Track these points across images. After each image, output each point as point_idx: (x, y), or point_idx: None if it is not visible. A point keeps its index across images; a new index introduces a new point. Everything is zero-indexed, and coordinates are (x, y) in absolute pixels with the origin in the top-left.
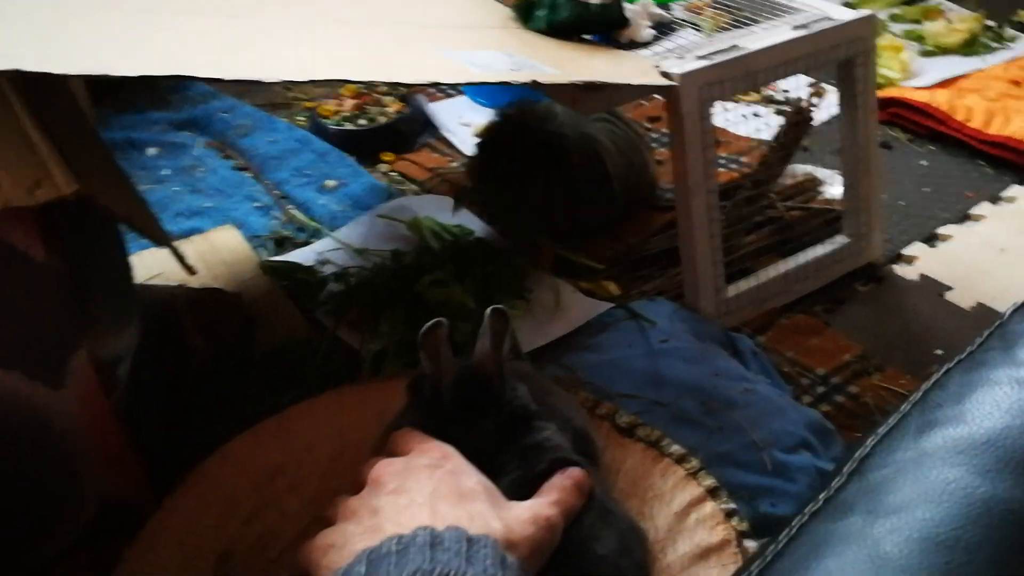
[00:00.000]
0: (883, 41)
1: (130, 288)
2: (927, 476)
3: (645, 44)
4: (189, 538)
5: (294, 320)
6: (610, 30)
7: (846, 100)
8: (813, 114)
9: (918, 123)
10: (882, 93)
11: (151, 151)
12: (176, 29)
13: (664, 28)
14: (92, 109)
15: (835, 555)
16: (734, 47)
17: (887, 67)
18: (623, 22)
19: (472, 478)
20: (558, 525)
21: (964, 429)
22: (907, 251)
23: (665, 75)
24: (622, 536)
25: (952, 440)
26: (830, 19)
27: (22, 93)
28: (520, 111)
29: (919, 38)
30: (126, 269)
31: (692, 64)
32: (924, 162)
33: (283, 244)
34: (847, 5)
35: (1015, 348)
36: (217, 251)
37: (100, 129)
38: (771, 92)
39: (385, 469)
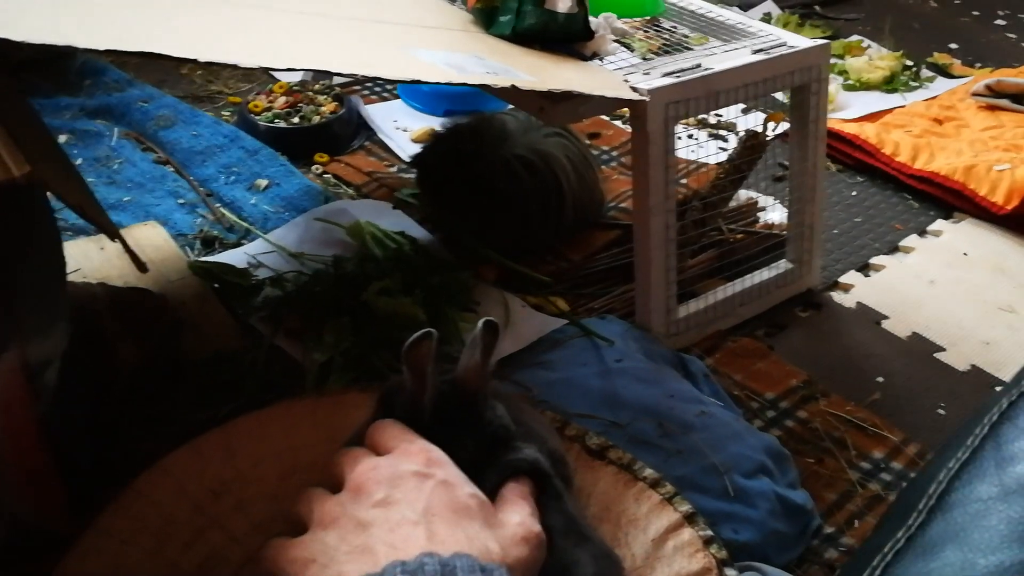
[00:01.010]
0: None
1: (62, 284)
2: (1020, 515)
3: (600, 57)
4: (123, 562)
5: (226, 326)
6: (575, 41)
7: (798, 126)
8: (768, 139)
9: (847, 154)
10: None
11: (61, 138)
12: (144, 9)
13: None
14: None
15: None
16: (698, 66)
17: None
18: (588, 34)
19: (464, 489)
20: (544, 542)
21: None
22: (843, 279)
23: (634, 90)
24: (598, 560)
25: None
26: (788, 45)
27: None
28: (471, 124)
29: (842, 72)
30: (59, 265)
31: (659, 81)
32: (854, 192)
33: (211, 244)
34: None
35: None
36: (141, 248)
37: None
38: (703, 116)
39: (369, 474)
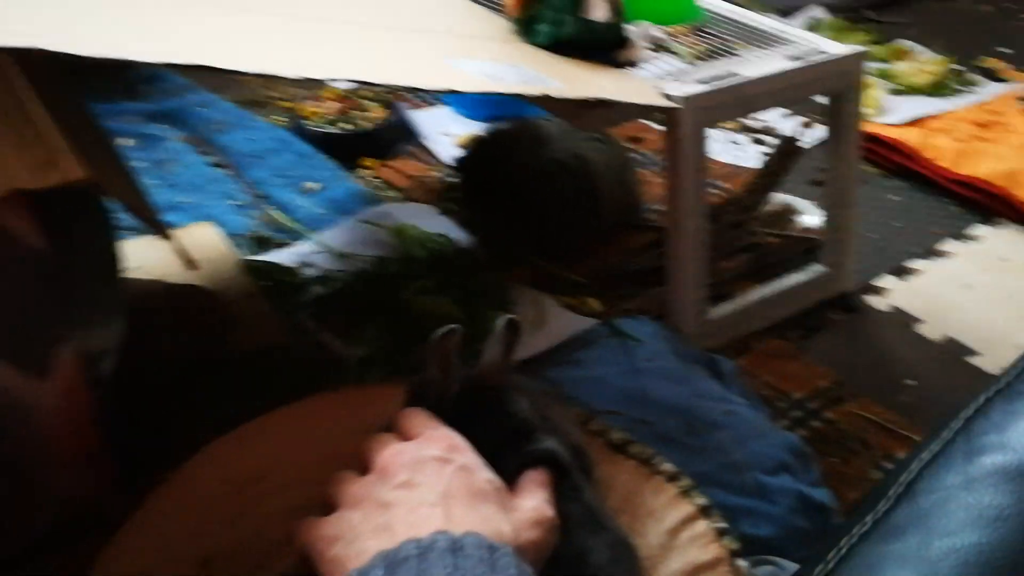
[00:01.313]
0: None
1: (119, 281)
2: (978, 502)
3: (635, 65)
4: (168, 541)
5: (273, 322)
6: (611, 49)
7: (833, 133)
8: (802, 145)
9: (889, 159)
10: None
11: (125, 142)
12: (194, 22)
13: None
14: None
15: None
16: (731, 74)
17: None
18: (623, 43)
19: (482, 474)
20: (557, 526)
21: (1011, 456)
22: (878, 283)
23: (667, 97)
24: (613, 548)
25: (999, 467)
26: (822, 52)
27: (32, 82)
28: (511, 129)
29: (889, 77)
30: (116, 262)
31: (692, 88)
32: (894, 197)
33: (263, 244)
34: None
35: None
36: (195, 248)
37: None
38: (748, 121)
39: (394, 458)
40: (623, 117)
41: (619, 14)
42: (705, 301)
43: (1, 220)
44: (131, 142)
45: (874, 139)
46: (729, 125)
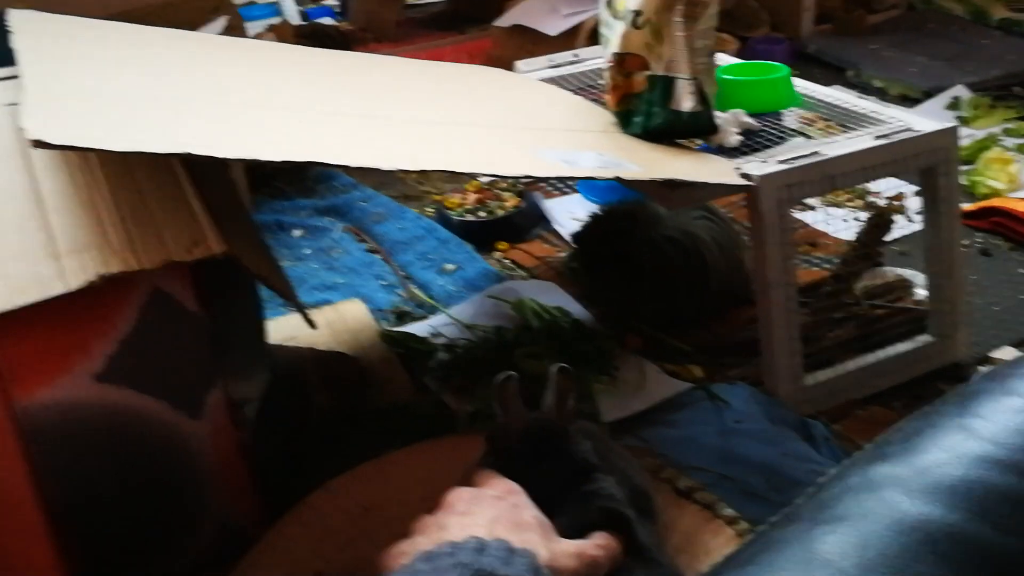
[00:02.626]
0: (992, 153)
1: (262, 341)
2: (865, 495)
3: (735, 149)
4: (290, 559)
5: (404, 383)
6: (699, 135)
7: (929, 205)
8: (895, 217)
9: (1021, 233)
10: (987, 203)
11: (296, 233)
12: (316, 126)
13: (755, 136)
14: (249, 195)
15: (777, 551)
16: (815, 153)
17: (994, 178)
18: (712, 129)
19: (530, 512)
20: (600, 565)
21: (904, 460)
22: (996, 354)
23: (745, 176)
24: None
25: (892, 469)
26: (912, 130)
27: (188, 171)
28: (626, 207)
29: None
30: (260, 325)
31: (772, 167)
32: (1023, 270)
33: (403, 318)
34: (960, 119)
35: (968, 401)
36: (344, 320)
37: (254, 212)
38: (873, 199)
39: (458, 496)
40: (707, 196)
41: (706, 104)
42: (799, 367)
43: (167, 288)
44: (301, 232)
45: (1005, 213)
46: (855, 203)
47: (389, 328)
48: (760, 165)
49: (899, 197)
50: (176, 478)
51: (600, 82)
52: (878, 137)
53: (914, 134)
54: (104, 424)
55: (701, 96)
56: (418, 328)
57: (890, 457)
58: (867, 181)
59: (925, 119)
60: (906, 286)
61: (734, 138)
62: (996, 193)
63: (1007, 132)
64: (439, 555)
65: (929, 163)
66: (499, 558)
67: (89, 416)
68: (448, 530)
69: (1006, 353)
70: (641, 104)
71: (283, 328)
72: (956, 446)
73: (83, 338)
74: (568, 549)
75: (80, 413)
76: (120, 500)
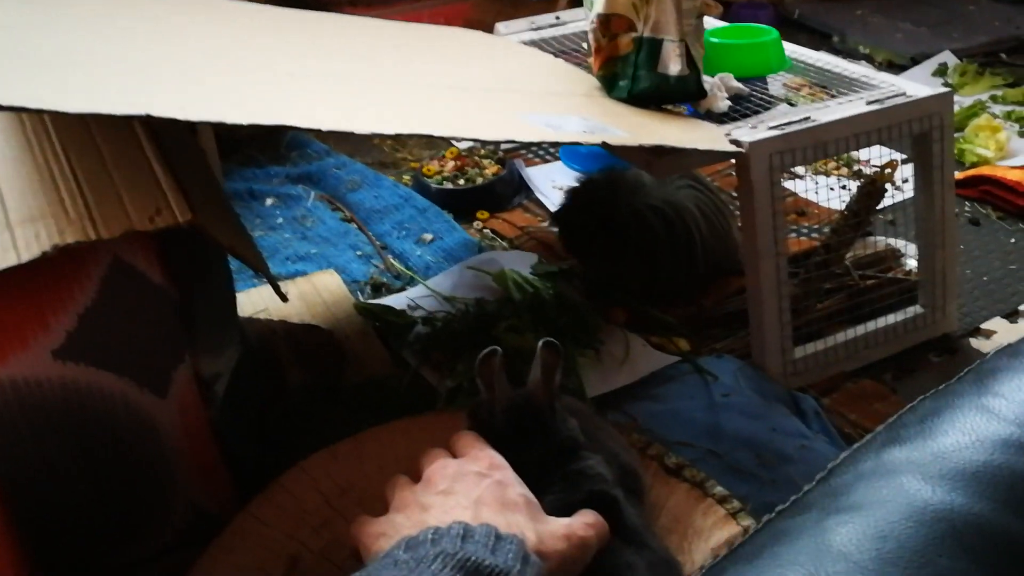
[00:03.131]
0: (981, 121)
1: (232, 315)
2: (880, 482)
3: (723, 114)
4: (264, 542)
5: (381, 357)
6: (687, 100)
7: (921, 173)
8: (886, 186)
9: (1010, 201)
10: (975, 171)
11: (268, 201)
12: (288, 89)
13: (744, 101)
14: (219, 162)
15: (787, 543)
16: (807, 118)
17: (983, 146)
18: (700, 93)
19: (516, 490)
20: (590, 546)
21: (920, 444)
22: (986, 325)
23: (735, 143)
24: (654, 566)
25: (908, 453)
26: (905, 95)
27: (153, 136)
28: (608, 178)
29: (1020, 119)
30: (229, 298)
31: (763, 133)
32: (1012, 240)
33: (379, 289)
34: (947, 86)
35: (986, 380)
36: (317, 292)
37: (225, 180)
38: (861, 167)
39: (440, 471)
40: (695, 163)
41: (694, 67)
42: (789, 340)
43: (130, 260)
44: (273, 201)
45: (995, 181)
46: (841, 171)
47: (365, 300)
48: (750, 131)
49: (892, 164)
50: (141, 459)
51: (583, 45)
52: (870, 103)
53: (908, 99)
54: (63, 403)
55: (689, 59)
56: (395, 300)
57: (905, 440)
58: (859, 148)
59: (917, 84)
60: (896, 256)
61: (723, 103)
62: (985, 161)
63: (994, 99)
64: (421, 542)
65: (923, 129)
66: (484, 545)
67: (47, 395)
68: (430, 511)
69: (996, 324)
70: (626, 67)
71: (254, 300)
72: (977, 429)
73: (40, 312)
74: (557, 530)
75: (38, 391)
76: (82, 482)
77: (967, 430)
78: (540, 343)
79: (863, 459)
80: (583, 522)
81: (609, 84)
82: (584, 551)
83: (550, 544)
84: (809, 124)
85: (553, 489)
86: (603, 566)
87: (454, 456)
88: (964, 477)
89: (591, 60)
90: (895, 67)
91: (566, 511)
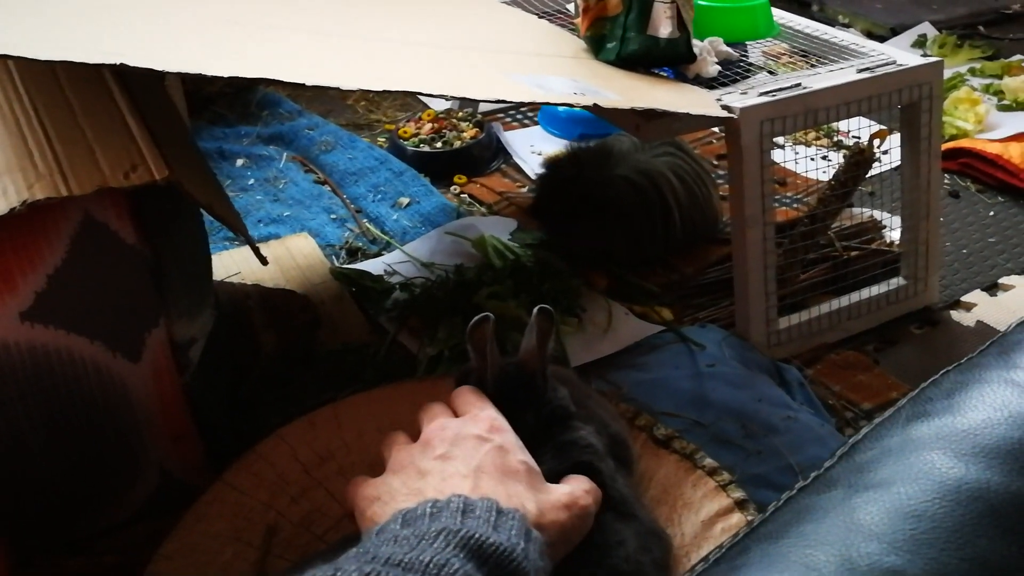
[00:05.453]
0: (960, 93)
1: (207, 278)
2: (909, 458)
3: (712, 79)
4: (241, 511)
5: (358, 323)
6: (677, 64)
7: (909, 143)
8: (875, 156)
9: (989, 174)
10: (955, 144)
11: (239, 162)
12: (268, 42)
13: (732, 66)
14: (188, 120)
15: (814, 521)
16: (798, 85)
17: (962, 119)
18: (690, 57)
19: (517, 456)
20: (590, 515)
21: (949, 419)
22: (966, 298)
23: (726, 108)
24: (643, 538)
25: (936, 428)
26: (896, 64)
27: (126, 89)
28: (589, 147)
29: (998, 92)
30: (205, 260)
31: (753, 99)
32: (991, 212)
33: (355, 254)
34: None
35: (1012, 353)
36: (292, 256)
37: (194, 139)
38: (842, 138)
39: (438, 432)
40: (684, 128)
41: (684, 31)
42: (774, 310)
43: (102, 218)
44: (244, 161)
45: (974, 154)
46: (821, 141)
47: (341, 265)
48: (740, 97)
49: (881, 134)
50: (112, 426)
51: (568, 7)
52: (861, 71)
53: (899, 68)
54: (31, 367)
55: (680, 21)
56: (371, 265)
57: (932, 415)
58: (850, 117)
59: (907, 52)
60: (879, 227)
61: (712, 67)
62: (964, 134)
63: (972, 72)
64: (420, 516)
65: (912, 99)
66: (486, 520)
67: (14, 358)
68: (427, 477)
69: (976, 297)
70: (615, 28)
71: (226, 264)
72: (1008, 404)
73: (6, 272)
74: (558, 500)
75: (4, 355)
76: (51, 448)
77: (998, 405)
78: (536, 310)
79: (888, 434)
80: (583, 488)
81: (596, 46)
82: (584, 520)
83: (550, 516)
84: (800, 91)
85: (544, 459)
86: (592, 537)
87: (454, 413)
88: (1000, 455)
89: (578, 20)
90: (874, 37)
91: (556, 481)
